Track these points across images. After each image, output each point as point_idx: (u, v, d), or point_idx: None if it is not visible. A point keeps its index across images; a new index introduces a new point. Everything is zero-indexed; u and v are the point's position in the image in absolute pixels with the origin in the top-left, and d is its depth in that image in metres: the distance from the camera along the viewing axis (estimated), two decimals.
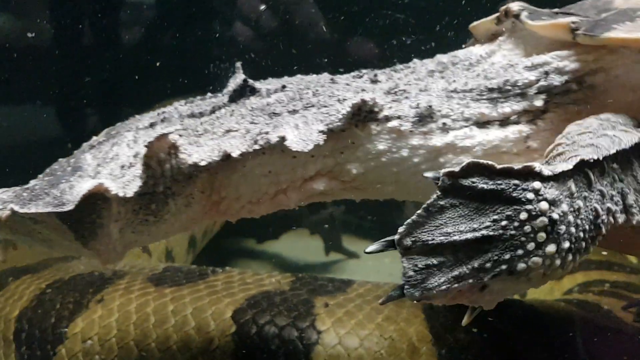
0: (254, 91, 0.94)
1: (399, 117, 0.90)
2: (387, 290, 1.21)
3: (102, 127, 0.98)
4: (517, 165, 0.66)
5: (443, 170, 0.65)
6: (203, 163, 0.86)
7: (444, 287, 0.65)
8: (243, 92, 0.94)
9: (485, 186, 0.65)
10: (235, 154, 0.86)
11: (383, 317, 1.10)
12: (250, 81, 0.95)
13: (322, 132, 0.87)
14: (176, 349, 1.11)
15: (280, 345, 1.08)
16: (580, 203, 0.69)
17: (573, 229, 0.67)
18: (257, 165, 0.90)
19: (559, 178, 0.67)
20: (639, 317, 1.19)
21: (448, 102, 0.90)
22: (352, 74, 0.98)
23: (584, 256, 0.71)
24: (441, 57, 0.98)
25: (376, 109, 0.90)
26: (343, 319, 1.11)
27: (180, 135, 0.88)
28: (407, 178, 0.92)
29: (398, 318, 1.10)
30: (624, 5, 0.91)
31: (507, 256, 0.65)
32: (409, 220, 0.66)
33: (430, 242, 0.65)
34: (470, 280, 0.66)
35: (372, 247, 0.68)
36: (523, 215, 0.65)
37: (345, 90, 0.92)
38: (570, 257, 0.68)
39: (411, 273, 0.66)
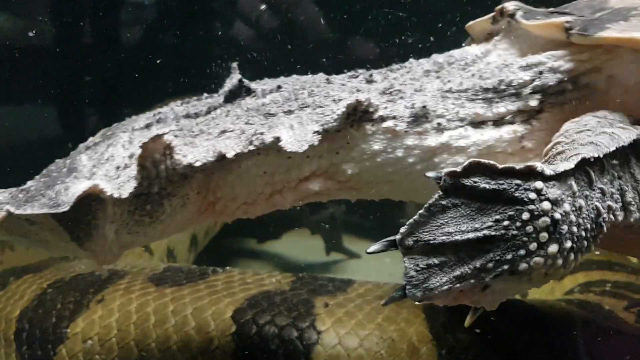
0: (249, 91, 0.94)
1: (394, 118, 0.90)
2: (387, 290, 1.21)
3: (103, 126, 0.99)
4: (518, 165, 0.65)
5: (445, 170, 0.65)
6: (198, 164, 0.86)
7: (445, 287, 0.65)
8: (238, 93, 0.94)
9: (487, 186, 0.65)
10: (230, 154, 0.86)
11: (383, 317, 1.10)
12: (246, 81, 0.95)
13: (317, 132, 0.87)
14: (176, 349, 1.11)
15: (280, 345, 1.08)
16: (581, 202, 0.68)
17: (575, 229, 0.67)
18: (253, 166, 0.90)
19: (560, 177, 0.67)
20: None
21: (443, 102, 0.90)
22: (348, 73, 0.98)
23: (585, 255, 0.71)
24: (437, 57, 0.98)
25: (371, 109, 0.90)
26: (343, 319, 1.11)
27: (175, 136, 0.88)
28: (402, 178, 0.92)
29: (398, 318, 1.10)
30: (619, 5, 0.90)
31: (509, 256, 0.65)
32: (410, 220, 0.66)
33: (431, 242, 0.65)
34: (472, 281, 0.66)
35: (373, 247, 0.68)
36: (525, 216, 0.64)
37: (340, 91, 0.92)
38: (572, 256, 0.68)
39: (413, 273, 0.66)
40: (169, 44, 2.26)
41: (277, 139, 0.86)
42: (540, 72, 0.89)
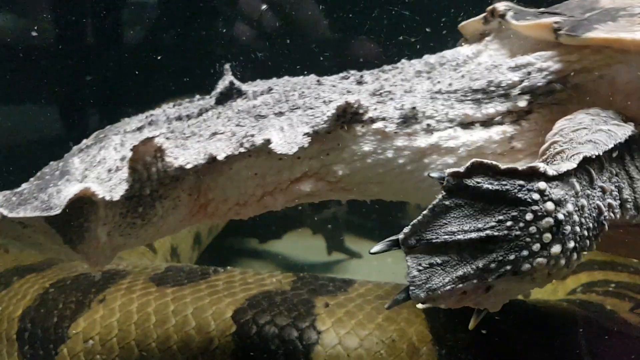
0: (240, 93, 0.94)
1: (383, 119, 0.90)
2: (388, 290, 1.21)
3: (104, 126, 0.99)
4: (521, 166, 0.66)
5: (448, 170, 0.65)
6: (189, 166, 0.86)
7: (448, 287, 0.65)
8: (230, 95, 0.94)
9: (490, 187, 0.65)
10: (220, 156, 0.86)
11: (383, 317, 1.10)
12: (237, 83, 0.95)
13: (307, 134, 0.87)
14: (176, 348, 1.11)
15: (280, 345, 1.08)
16: (584, 201, 0.68)
17: (578, 228, 0.67)
18: (244, 168, 0.90)
19: (563, 177, 0.67)
20: None
21: (432, 103, 0.90)
22: (340, 75, 0.99)
23: (586, 253, 0.71)
24: (429, 58, 0.98)
25: (361, 111, 0.90)
26: (343, 319, 1.11)
27: (167, 139, 0.88)
28: (393, 179, 0.92)
29: (398, 318, 1.10)
30: (609, 5, 0.90)
31: (511, 257, 0.65)
32: (414, 221, 0.66)
33: (434, 241, 0.65)
34: (475, 281, 0.66)
35: (376, 248, 0.68)
36: (529, 216, 0.65)
37: (331, 92, 0.93)
38: (575, 256, 0.68)
39: (415, 273, 0.66)
40: (170, 43, 2.26)
41: (268, 141, 0.86)
42: (529, 73, 0.89)
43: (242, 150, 0.87)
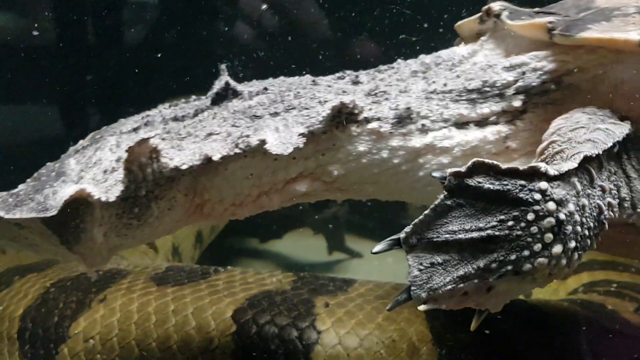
0: (236, 94, 0.94)
1: (378, 119, 0.90)
2: (388, 290, 1.21)
3: (105, 126, 0.99)
4: (522, 166, 0.65)
5: (449, 170, 0.66)
6: (184, 167, 0.86)
7: (449, 286, 0.65)
8: (225, 95, 0.94)
9: (491, 187, 0.65)
10: (216, 157, 0.86)
11: (383, 317, 1.10)
12: (233, 83, 0.95)
13: (302, 134, 0.87)
14: (176, 348, 1.11)
15: (280, 345, 1.08)
16: (585, 201, 0.69)
17: (579, 228, 0.67)
18: (239, 168, 0.90)
19: (564, 177, 0.67)
20: None
21: (427, 103, 0.91)
22: (335, 75, 0.99)
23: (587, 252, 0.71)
24: (424, 58, 0.98)
25: (356, 111, 0.90)
26: (343, 318, 1.10)
27: (162, 139, 0.88)
28: (388, 179, 0.93)
29: (398, 318, 1.09)
30: (604, 4, 0.90)
31: (512, 257, 0.65)
32: (415, 220, 0.66)
33: (435, 240, 0.65)
34: (476, 281, 0.66)
35: (378, 247, 0.68)
36: (530, 216, 0.65)
37: (326, 92, 0.93)
38: (576, 255, 0.68)
39: (416, 272, 0.66)
40: (170, 43, 2.26)
41: (263, 142, 0.86)
42: (524, 73, 0.89)
43: (237, 150, 0.87)
